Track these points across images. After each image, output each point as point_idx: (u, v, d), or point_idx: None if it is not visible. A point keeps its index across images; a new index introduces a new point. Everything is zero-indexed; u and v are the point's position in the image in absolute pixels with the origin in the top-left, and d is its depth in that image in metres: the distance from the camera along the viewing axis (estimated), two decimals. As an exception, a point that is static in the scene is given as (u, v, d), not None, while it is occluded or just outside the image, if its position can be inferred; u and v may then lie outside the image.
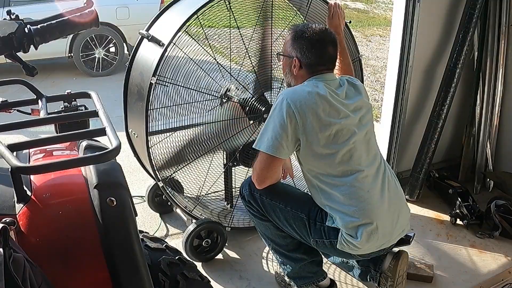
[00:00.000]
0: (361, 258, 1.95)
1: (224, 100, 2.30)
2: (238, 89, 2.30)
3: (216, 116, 2.29)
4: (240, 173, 2.50)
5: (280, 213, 1.90)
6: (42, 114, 1.36)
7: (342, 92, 1.82)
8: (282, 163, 1.88)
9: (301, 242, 1.96)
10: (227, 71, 2.23)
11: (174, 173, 2.27)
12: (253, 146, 1.82)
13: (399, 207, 1.89)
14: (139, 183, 2.93)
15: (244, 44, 2.24)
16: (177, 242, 2.42)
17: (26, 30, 1.42)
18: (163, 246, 1.53)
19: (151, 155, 2.17)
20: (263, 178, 1.81)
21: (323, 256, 2.11)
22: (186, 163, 2.29)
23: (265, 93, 2.35)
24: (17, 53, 1.43)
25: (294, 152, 1.82)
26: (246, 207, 2.02)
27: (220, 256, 2.41)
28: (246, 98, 2.30)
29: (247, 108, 2.30)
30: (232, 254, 2.45)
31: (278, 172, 1.88)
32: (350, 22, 2.49)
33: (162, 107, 2.14)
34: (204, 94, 2.24)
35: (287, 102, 1.72)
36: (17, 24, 1.40)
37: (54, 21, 1.49)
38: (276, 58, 2.03)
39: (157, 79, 2.06)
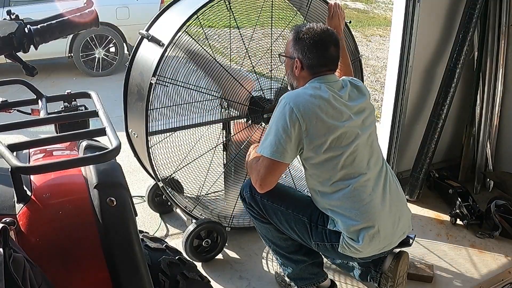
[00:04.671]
0: (362, 261, 1.95)
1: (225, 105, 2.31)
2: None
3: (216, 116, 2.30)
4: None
5: (282, 216, 1.89)
6: (42, 114, 1.36)
7: (345, 93, 1.81)
8: (287, 167, 1.86)
9: (302, 244, 1.96)
10: (227, 71, 2.23)
11: (174, 173, 2.27)
12: (256, 151, 1.80)
13: (400, 210, 1.88)
14: (139, 183, 2.94)
15: (244, 44, 2.24)
16: (177, 242, 2.42)
17: (26, 30, 1.42)
18: (163, 246, 1.52)
19: (151, 155, 2.17)
20: (268, 183, 1.77)
21: (323, 257, 2.11)
22: (186, 163, 2.29)
23: (264, 93, 2.35)
24: (17, 53, 1.43)
25: (298, 155, 1.81)
26: (247, 209, 2.01)
27: (220, 256, 2.41)
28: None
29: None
30: (232, 254, 2.45)
31: (280, 175, 1.87)
32: (350, 22, 2.49)
33: (162, 107, 2.14)
34: (204, 94, 2.24)
35: (290, 106, 1.70)
36: (17, 24, 1.40)
37: (54, 21, 1.48)
38: (278, 59, 2.02)
39: (157, 79, 2.06)
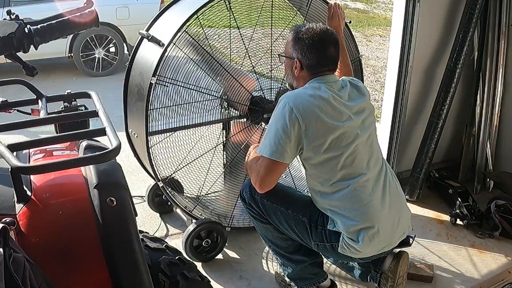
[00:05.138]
0: (362, 261, 1.95)
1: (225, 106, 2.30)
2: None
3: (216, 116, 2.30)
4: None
5: (281, 216, 1.89)
6: (42, 114, 1.36)
7: (345, 93, 1.80)
8: (286, 167, 1.85)
9: (302, 244, 1.96)
10: (227, 71, 2.23)
11: (174, 173, 2.27)
12: (256, 151, 1.81)
13: (400, 210, 1.88)
14: (139, 183, 2.93)
15: (244, 44, 2.24)
16: (177, 242, 2.41)
17: (26, 30, 1.42)
18: (163, 246, 1.53)
19: (151, 155, 2.17)
20: (267, 183, 1.77)
21: (323, 257, 2.11)
22: (186, 163, 2.29)
23: (264, 93, 2.35)
24: (17, 53, 1.43)
25: (298, 156, 1.81)
26: (247, 210, 2.01)
27: (220, 256, 2.41)
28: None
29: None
30: (232, 254, 2.45)
31: (280, 176, 1.87)
32: (350, 22, 2.49)
33: (162, 107, 2.14)
34: (204, 94, 2.24)
35: (290, 106, 1.70)
36: (17, 24, 1.40)
37: (54, 21, 1.49)
38: (278, 59, 2.02)
39: (157, 79, 2.06)
